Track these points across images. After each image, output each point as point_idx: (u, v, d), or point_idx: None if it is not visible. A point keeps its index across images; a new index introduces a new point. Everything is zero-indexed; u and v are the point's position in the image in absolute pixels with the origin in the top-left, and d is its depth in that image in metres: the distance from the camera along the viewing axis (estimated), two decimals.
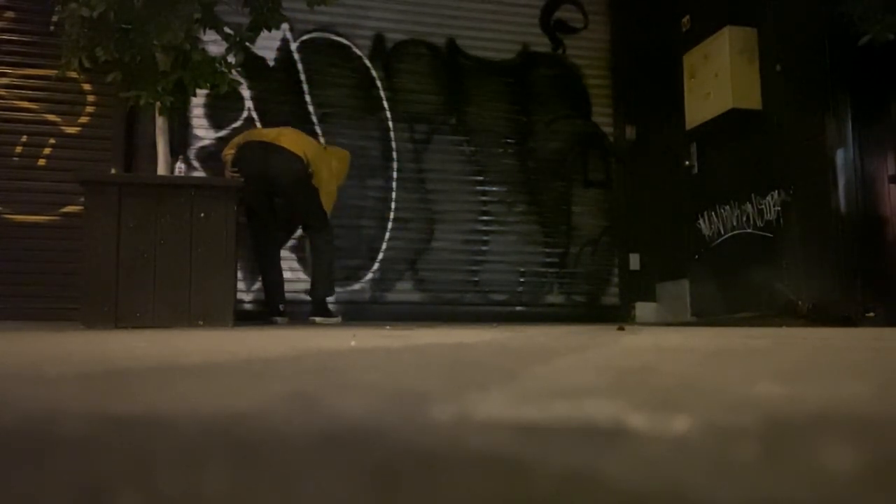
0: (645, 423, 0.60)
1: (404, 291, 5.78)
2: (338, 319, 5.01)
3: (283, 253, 5.63)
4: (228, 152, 4.74)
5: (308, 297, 5.10)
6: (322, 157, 4.81)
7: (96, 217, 3.79)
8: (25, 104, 5.27)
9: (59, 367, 1.25)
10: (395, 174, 5.90)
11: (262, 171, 4.57)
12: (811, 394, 0.83)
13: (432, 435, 0.57)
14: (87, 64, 4.01)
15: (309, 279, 5.20)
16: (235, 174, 4.50)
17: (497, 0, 6.24)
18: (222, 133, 5.60)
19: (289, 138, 4.71)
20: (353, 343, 2.07)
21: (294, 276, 5.61)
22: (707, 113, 5.13)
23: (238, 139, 4.82)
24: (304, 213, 4.92)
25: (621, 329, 3.49)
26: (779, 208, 4.70)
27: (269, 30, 4.37)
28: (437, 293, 5.85)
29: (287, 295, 5.63)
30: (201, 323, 3.81)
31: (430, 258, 5.88)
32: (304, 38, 5.84)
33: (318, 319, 4.92)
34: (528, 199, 6.15)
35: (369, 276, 5.74)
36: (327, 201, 4.84)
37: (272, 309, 4.99)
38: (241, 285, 5.26)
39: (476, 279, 5.96)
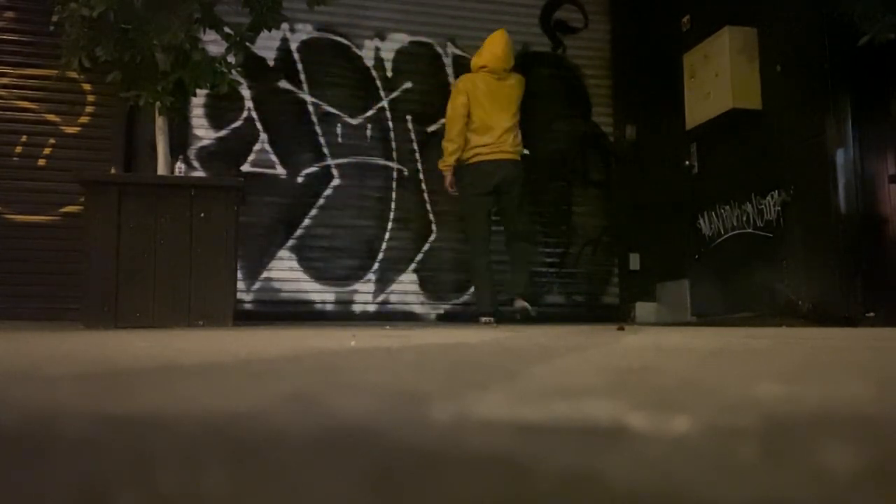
0: (645, 423, 0.60)
1: (404, 292, 5.78)
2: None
3: (283, 253, 5.62)
4: None
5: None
6: None
7: (96, 217, 3.79)
8: (25, 104, 5.27)
9: (59, 367, 1.25)
10: (394, 174, 5.89)
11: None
12: (811, 394, 0.83)
13: (432, 435, 0.57)
14: (87, 64, 4.01)
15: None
16: None
17: (497, 0, 6.24)
18: (222, 133, 5.60)
19: None
20: (352, 343, 2.07)
21: (293, 275, 5.61)
22: (707, 113, 5.12)
23: None
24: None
25: (621, 329, 3.49)
26: (779, 208, 4.70)
27: (269, 30, 4.38)
28: (437, 293, 5.85)
29: (286, 295, 5.64)
30: (201, 323, 3.81)
31: (431, 258, 5.87)
32: (304, 38, 5.84)
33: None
34: (527, 199, 6.14)
35: (369, 276, 5.73)
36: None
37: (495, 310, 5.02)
38: (241, 285, 5.25)
39: None
